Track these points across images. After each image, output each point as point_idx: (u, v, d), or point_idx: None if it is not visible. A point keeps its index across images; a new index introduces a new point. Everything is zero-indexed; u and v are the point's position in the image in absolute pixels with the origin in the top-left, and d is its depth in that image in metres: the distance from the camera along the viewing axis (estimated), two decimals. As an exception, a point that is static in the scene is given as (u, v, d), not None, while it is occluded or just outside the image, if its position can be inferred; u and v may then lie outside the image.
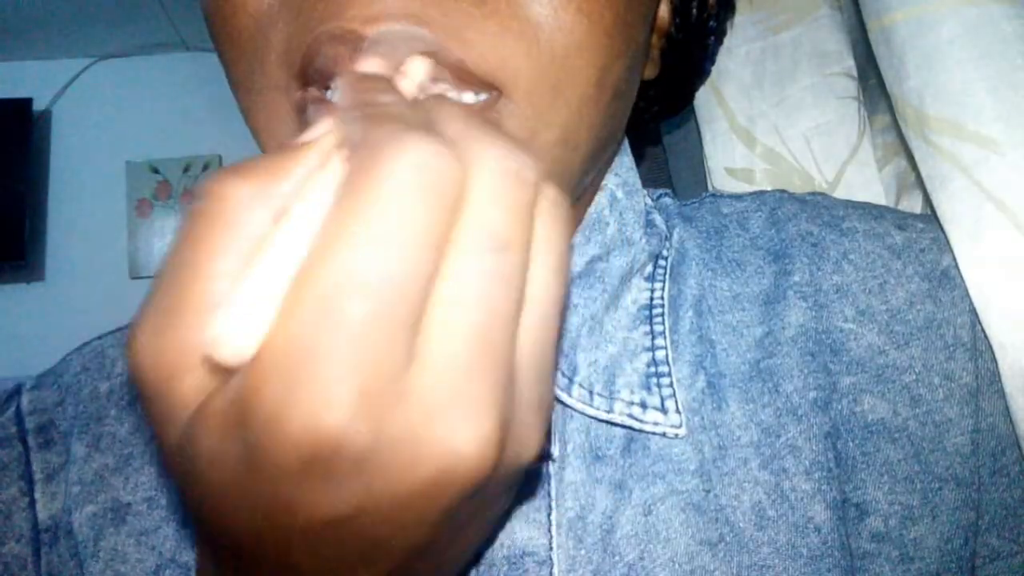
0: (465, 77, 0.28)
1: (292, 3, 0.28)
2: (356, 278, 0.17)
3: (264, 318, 0.18)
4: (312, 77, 0.28)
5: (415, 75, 0.26)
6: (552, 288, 0.20)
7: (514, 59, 0.28)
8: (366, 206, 0.17)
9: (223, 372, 0.19)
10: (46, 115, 2.24)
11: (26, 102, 2.17)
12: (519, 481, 0.23)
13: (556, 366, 0.23)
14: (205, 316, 0.18)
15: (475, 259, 0.18)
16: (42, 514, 0.37)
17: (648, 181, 0.68)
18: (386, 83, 0.23)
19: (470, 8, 0.27)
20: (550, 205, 0.20)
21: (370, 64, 0.25)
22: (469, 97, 0.28)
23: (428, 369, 0.18)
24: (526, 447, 0.20)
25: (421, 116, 0.20)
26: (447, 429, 0.18)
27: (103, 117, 2.25)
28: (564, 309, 0.22)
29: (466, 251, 0.18)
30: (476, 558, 0.33)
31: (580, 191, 0.36)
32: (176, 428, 0.19)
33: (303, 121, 0.29)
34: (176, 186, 2.28)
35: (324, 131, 0.21)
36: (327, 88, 0.28)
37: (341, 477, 0.18)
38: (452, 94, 0.28)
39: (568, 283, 0.21)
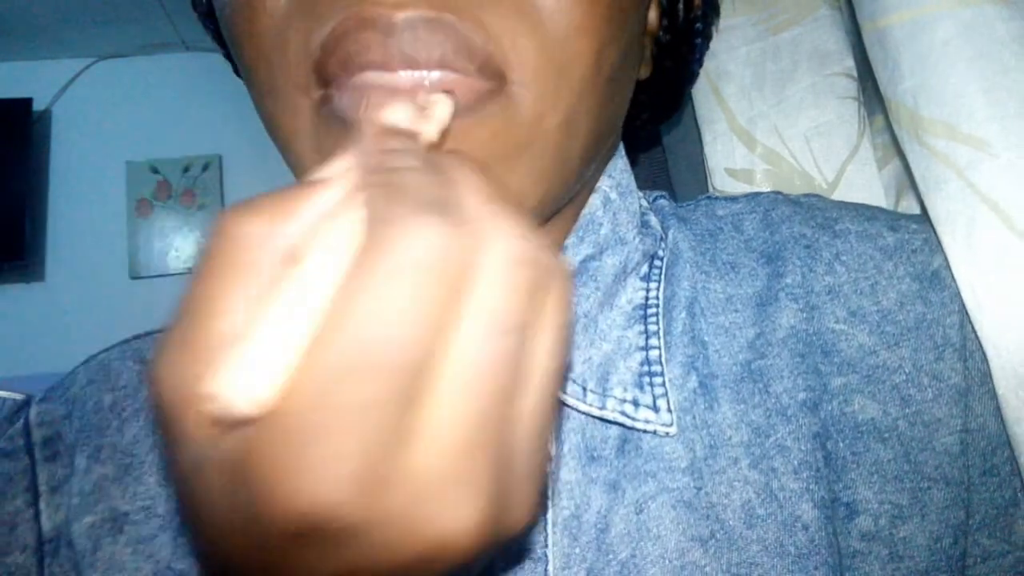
0: (483, 61, 0.28)
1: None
2: (361, 358, 0.17)
3: (273, 375, 0.18)
4: (333, 69, 0.28)
5: (440, 116, 0.26)
6: (552, 364, 0.20)
7: (522, 40, 0.29)
8: (376, 287, 0.18)
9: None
10: (46, 115, 2.25)
11: (26, 102, 2.17)
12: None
13: (551, 432, 0.23)
14: (214, 354, 0.19)
15: (480, 342, 0.19)
16: (46, 526, 0.38)
17: (648, 182, 0.68)
18: (408, 139, 0.23)
19: None
20: (559, 283, 0.20)
21: (396, 113, 0.24)
22: (480, 83, 0.29)
23: (425, 448, 0.18)
24: (519, 516, 0.20)
25: (439, 190, 0.20)
26: (440, 508, 0.18)
27: (103, 117, 2.25)
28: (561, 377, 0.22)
29: (471, 334, 0.19)
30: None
31: (578, 187, 0.37)
32: (190, 453, 0.20)
33: (322, 119, 0.29)
34: (176, 186, 2.28)
35: (341, 170, 0.21)
36: (349, 78, 0.28)
37: (332, 547, 0.18)
38: (464, 80, 0.28)
39: (566, 354, 0.22)
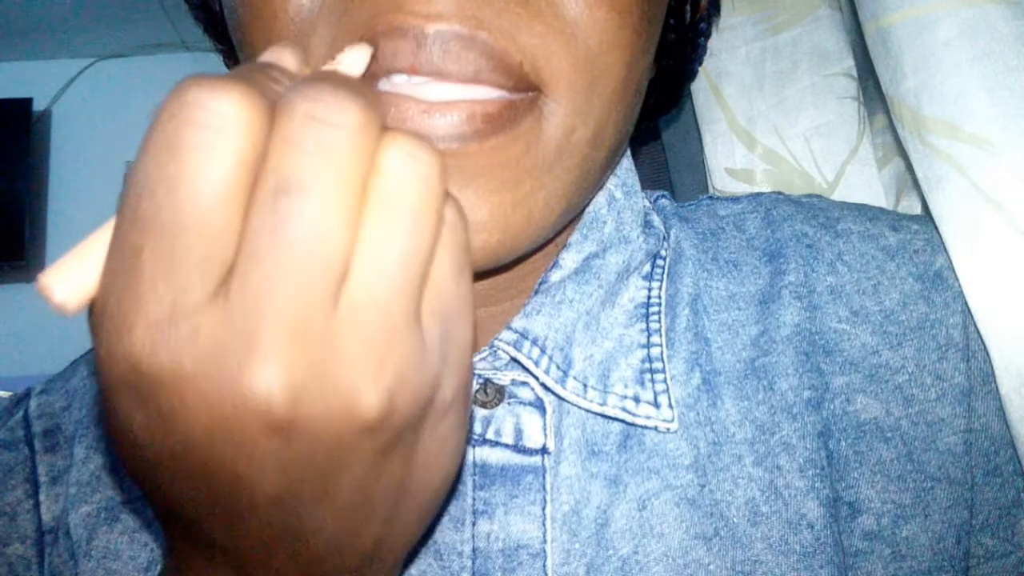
0: (518, 79, 0.28)
1: (337, 6, 0.28)
2: (145, 220, 0.18)
3: (95, 271, 0.20)
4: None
5: (349, 64, 0.25)
6: (396, 237, 0.19)
7: (556, 57, 0.29)
8: (145, 151, 0.18)
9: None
10: (46, 115, 2.24)
11: (26, 102, 2.17)
12: (411, 455, 0.22)
13: (463, 325, 0.22)
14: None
15: (269, 203, 0.18)
16: (46, 516, 0.38)
17: (649, 182, 0.68)
18: (272, 68, 0.22)
19: (517, 8, 0.28)
20: (402, 152, 0.19)
21: (273, 53, 0.23)
22: (515, 98, 0.29)
23: (228, 308, 0.18)
24: (353, 403, 0.19)
25: (266, 78, 0.20)
26: (239, 367, 0.18)
27: (103, 117, 2.25)
28: (457, 262, 0.21)
29: (258, 194, 0.18)
30: (416, 550, 0.33)
31: (595, 192, 0.37)
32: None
33: None
34: (176, 186, 2.28)
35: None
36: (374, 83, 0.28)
37: (152, 402, 0.19)
38: (495, 94, 0.29)
39: (430, 234, 0.20)
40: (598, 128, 0.31)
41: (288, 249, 0.18)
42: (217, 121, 0.18)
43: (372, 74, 0.28)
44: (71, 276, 0.19)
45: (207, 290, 0.18)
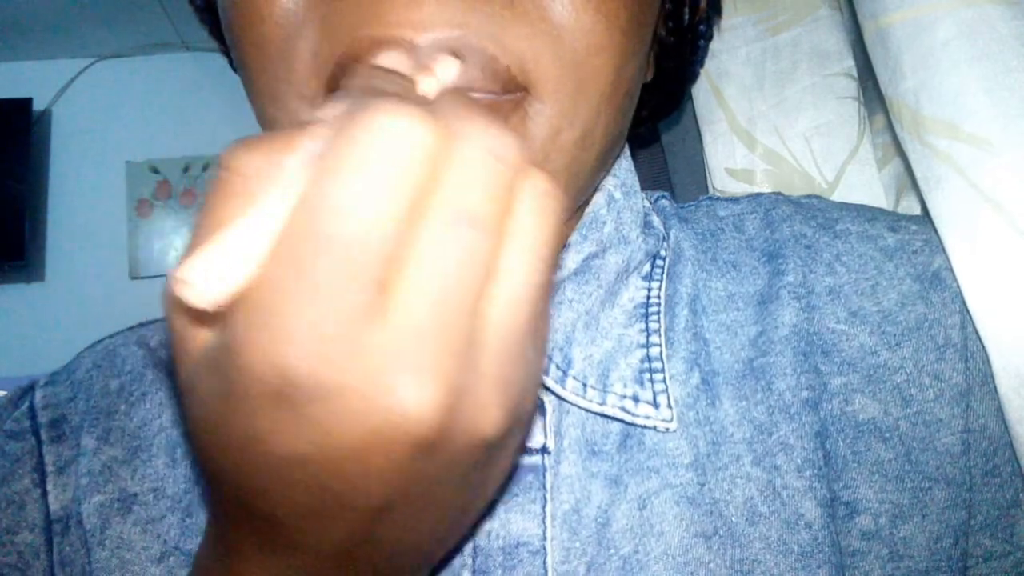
0: (506, 82, 0.29)
1: (318, 11, 0.28)
2: (324, 235, 0.18)
3: (240, 269, 0.19)
4: (346, 84, 0.28)
5: (444, 75, 0.26)
6: (527, 271, 0.20)
7: (542, 59, 0.29)
8: (335, 167, 0.19)
9: (213, 320, 0.20)
10: (46, 115, 2.25)
11: (26, 102, 2.18)
12: (494, 468, 0.23)
13: (541, 351, 0.23)
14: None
15: (443, 231, 0.19)
16: (54, 505, 0.38)
17: (649, 182, 0.68)
18: (400, 76, 0.23)
19: (502, 11, 0.28)
20: (537, 192, 0.21)
21: (392, 58, 0.24)
22: (502, 101, 0.29)
23: (388, 327, 0.19)
24: (481, 422, 0.20)
25: (419, 96, 0.21)
26: (396, 386, 0.19)
27: (103, 117, 2.25)
28: (547, 295, 0.22)
29: (436, 222, 0.19)
30: (456, 549, 0.33)
31: (589, 193, 0.37)
32: (184, 373, 0.21)
33: None
34: (176, 186, 2.28)
35: (332, 112, 0.21)
36: None
37: (300, 411, 0.19)
38: (480, 95, 0.29)
39: (552, 271, 0.22)
40: (585, 130, 0.31)
41: (453, 278, 0.19)
42: (405, 150, 0.19)
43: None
44: (213, 273, 0.19)
45: (370, 309, 0.19)
